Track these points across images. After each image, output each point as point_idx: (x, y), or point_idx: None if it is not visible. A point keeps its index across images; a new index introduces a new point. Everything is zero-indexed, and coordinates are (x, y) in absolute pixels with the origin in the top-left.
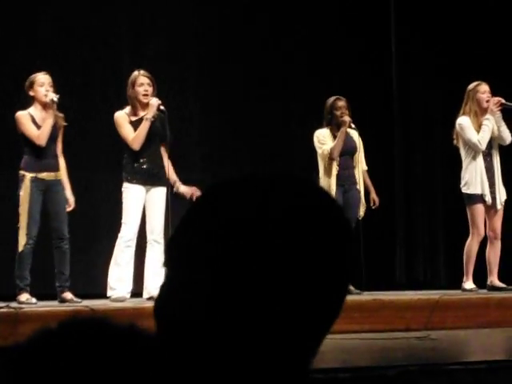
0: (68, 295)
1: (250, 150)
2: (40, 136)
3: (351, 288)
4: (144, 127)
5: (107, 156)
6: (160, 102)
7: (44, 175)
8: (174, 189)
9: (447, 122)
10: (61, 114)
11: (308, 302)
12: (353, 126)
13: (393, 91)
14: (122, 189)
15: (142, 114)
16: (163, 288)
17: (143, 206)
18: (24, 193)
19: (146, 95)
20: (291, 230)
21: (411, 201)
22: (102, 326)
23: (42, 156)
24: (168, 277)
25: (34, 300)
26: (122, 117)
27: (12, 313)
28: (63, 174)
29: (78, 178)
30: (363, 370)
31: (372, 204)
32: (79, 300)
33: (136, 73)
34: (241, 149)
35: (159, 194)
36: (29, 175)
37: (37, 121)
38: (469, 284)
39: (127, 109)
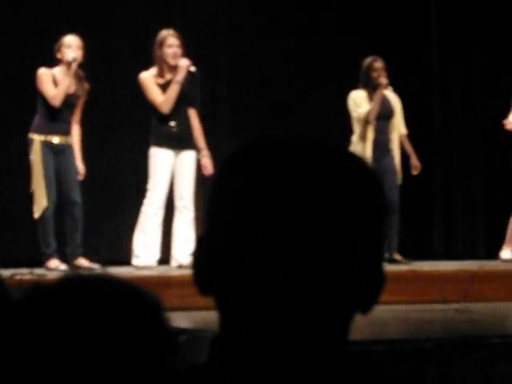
0: (82, 262)
1: (282, 112)
2: (55, 96)
3: (399, 258)
4: (174, 90)
5: (131, 118)
6: (190, 63)
7: (54, 139)
8: (199, 156)
9: (488, 87)
10: (86, 85)
11: (348, 276)
12: (390, 88)
13: (432, 53)
14: (149, 153)
15: (169, 76)
16: (201, 252)
17: (171, 171)
18: (35, 156)
19: (176, 57)
20: (329, 199)
21: (450, 169)
22: (100, 284)
23: (54, 119)
24: (206, 240)
25: (63, 266)
26: (148, 79)
27: (36, 280)
28: (76, 142)
29: (102, 141)
30: (399, 343)
31: (414, 169)
32: (97, 266)
33: (164, 33)
34: (273, 111)
35: (188, 158)
36: (38, 138)
37: (58, 82)
38: (506, 253)
39: (153, 70)
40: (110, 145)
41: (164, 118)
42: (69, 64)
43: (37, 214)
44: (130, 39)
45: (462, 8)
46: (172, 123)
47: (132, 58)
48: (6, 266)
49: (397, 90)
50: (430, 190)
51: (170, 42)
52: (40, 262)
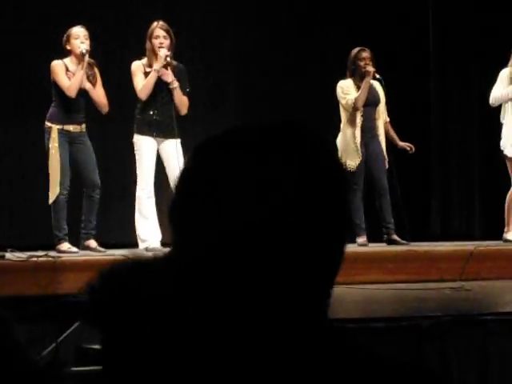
0: (92, 243)
1: (270, 100)
2: (70, 87)
3: (397, 239)
4: (151, 78)
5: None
6: (168, 53)
7: (70, 128)
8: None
9: (486, 74)
10: (96, 70)
11: (310, 252)
12: (377, 76)
13: (429, 43)
14: (133, 140)
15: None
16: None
17: (156, 157)
18: (52, 144)
19: (161, 48)
20: (290, 181)
21: (447, 150)
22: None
23: (69, 108)
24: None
25: (74, 249)
26: (137, 66)
27: (51, 262)
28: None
29: (104, 129)
30: (396, 320)
31: (409, 150)
32: (103, 249)
33: (154, 24)
34: (262, 98)
35: (172, 145)
36: (55, 127)
37: (71, 73)
38: (511, 234)
39: (144, 59)
40: (114, 131)
41: (146, 106)
42: (82, 56)
43: (51, 200)
44: (132, 30)
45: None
46: (153, 111)
47: (132, 50)
48: (23, 249)
49: (396, 78)
50: (427, 171)
51: (157, 33)
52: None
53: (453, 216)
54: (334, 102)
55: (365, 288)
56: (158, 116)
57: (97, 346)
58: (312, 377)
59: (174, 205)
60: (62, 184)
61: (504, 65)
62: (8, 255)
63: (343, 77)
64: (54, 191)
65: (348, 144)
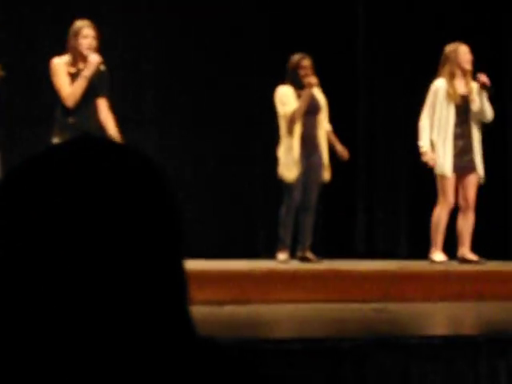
0: None
1: (206, 106)
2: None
3: (311, 256)
4: (80, 85)
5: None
6: (100, 60)
7: None
8: None
9: (413, 84)
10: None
11: (141, 273)
12: (316, 88)
13: (358, 51)
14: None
15: (81, 66)
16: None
17: None
18: None
19: (90, 48)
20: (100, 203)
21: (373, 165)
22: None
23: (75, 116)
24: None
25: None
26: (59, 65)
27: None
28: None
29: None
30: (316, 342)
31: (341, 155)
32: None
33: (80, 23)
34: (197, 103)
35: None
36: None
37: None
38: (438, 255)
39: (66, 58)
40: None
41: (68, 110)
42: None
43: None
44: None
45: (390, 6)
46: (74, 116)
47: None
48: None
49: (322, 86)
50: (352, 186)
51: (86, 32)
52: None
53: (378, 234)
54: (274, 110)
55: (284, 307)
56: (79, 120)
57: None
58: None
59: None
60: None
61: (430, 75)
62: None
63: (282, 82)
64: None
65: (288, 155)
